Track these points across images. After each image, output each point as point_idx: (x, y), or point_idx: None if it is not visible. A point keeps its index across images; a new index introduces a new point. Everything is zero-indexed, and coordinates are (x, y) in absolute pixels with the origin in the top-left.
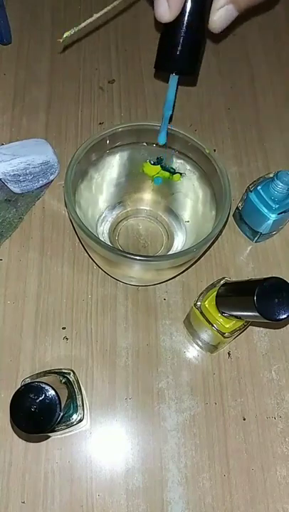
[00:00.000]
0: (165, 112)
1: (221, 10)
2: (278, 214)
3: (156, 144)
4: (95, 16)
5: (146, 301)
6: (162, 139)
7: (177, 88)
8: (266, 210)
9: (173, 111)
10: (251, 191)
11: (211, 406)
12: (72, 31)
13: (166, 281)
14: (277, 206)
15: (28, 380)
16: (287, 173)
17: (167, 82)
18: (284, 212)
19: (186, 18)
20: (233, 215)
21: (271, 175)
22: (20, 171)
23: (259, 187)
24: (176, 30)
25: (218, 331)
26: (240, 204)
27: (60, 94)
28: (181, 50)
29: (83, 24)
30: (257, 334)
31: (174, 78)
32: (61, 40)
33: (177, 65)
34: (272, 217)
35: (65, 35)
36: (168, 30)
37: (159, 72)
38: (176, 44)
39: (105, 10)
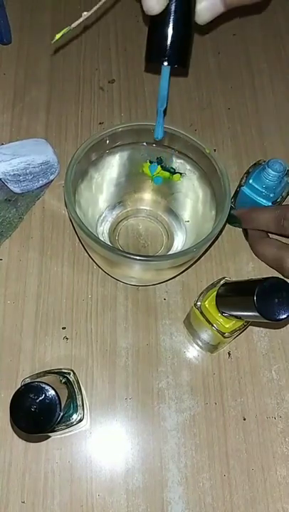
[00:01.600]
0: (159, 107)
1: (205, 1)
2: (272, 203)
3: (156, 144)
4: (85, 14)
5: (146, 301)
6: (159, 134)
7: (169, 80)
8: (264, 200)
9: (167, 104)
10: (243, 185)
11: (211, 406)
12: (65, 31)
13: (166, 281)
14: (272, 195)
15: (28, 380)
16: (276, 161)
17: (158, 74)
18: (277, 201)
19: (174, 8)
20: None
21: (251, 170)
22: (21, 170)
23: (250, 180)
24: (165, 21)
25: (218, 331)
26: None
27: (60, 94)
28: (172, 41)
29: (74, 24)
30: (257, 334)
31: (165, 70)
32: (52, 42)
33: (169, 56)
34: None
35: (57, 37)
36: (157, 22)
37: (150, 65)
38: (166, 35)
39: (95, 8)
